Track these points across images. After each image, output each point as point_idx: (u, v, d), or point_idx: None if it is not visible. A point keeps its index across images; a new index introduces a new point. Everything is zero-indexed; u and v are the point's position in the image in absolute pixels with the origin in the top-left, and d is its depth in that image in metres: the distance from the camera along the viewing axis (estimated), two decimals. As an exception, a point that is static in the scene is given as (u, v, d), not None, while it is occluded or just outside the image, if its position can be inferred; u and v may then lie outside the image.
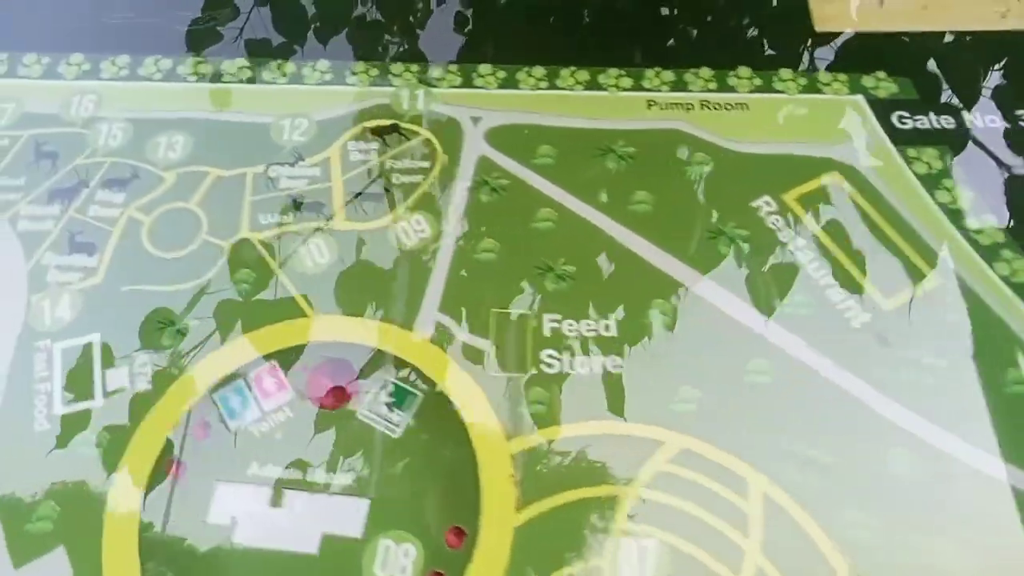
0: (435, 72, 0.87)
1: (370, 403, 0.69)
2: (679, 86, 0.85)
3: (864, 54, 0.90)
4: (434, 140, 0.82)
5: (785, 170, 0.80)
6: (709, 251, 0.75)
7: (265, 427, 0.68)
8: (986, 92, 0.88)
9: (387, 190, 0.79)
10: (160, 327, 0.72)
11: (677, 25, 0.93)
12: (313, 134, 0.83)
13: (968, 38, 0.93)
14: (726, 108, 0.84)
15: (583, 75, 0.86)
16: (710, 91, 0.85)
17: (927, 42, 0.92)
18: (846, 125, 0.83)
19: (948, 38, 0.93)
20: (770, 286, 0.73)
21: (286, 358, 0.71)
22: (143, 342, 0.71)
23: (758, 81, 0.85)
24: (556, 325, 0.72)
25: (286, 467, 0.65)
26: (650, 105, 0.84)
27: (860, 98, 0.84)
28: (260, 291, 0.73)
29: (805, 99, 0.84)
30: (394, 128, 0.83)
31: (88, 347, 0.71)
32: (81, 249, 0.76)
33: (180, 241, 0.76)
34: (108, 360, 0.70)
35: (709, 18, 0.95)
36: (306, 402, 0.69)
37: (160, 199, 0.79)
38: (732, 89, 0.85)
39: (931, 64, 0.90)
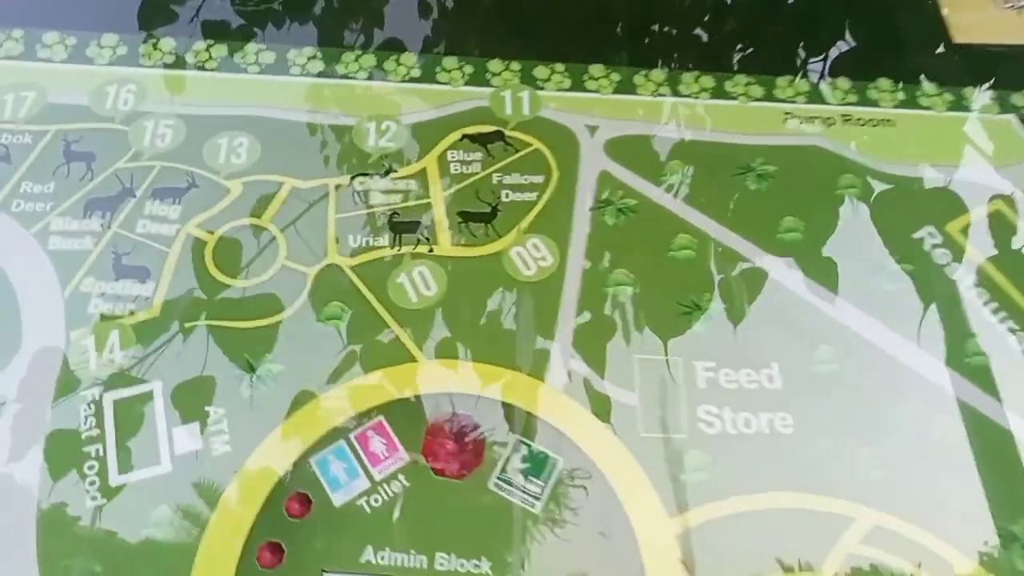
0: (540, 72, 0.76)
1: (502, 469, 0.58)
2: (815, 98, 0.76)
3: (1008, 67, 0.82)
4: (546, 151, 0.72)
5: (944, 197, 0.71)
6: (873, 289, 0.65)
7: (377, 501, 0.56)
8: None
9: (496, 209, 0.68)
10: (238, 374, 0.60)
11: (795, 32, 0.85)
12: (404, 140, 0.71)
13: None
14: (871, 124, 0.75)
15: (708, 81, 0.76)
16: (850, 104, 0.76)
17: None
18: (999, 147, 0.76)
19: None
20: (947, 331, 0.65)
21: (394, 413, 0.59)
22: (217, 392, 0.58)
23: (901, 95, 0.76)
24: (711, 375, 0.62)
25: (409, 552, 0.55)
26: (786, 118, 0.75)
27: (1012, 118, 0.77)
28: (355, 329, 0.61)
29: (953, 117, 0.76)
30: (498, 136, 0.72)
31: (148, 398, 0.59)
32: (131, 274, 0.62)
33: (254, 267, 0.64)
34: (175, 415, 0.58)
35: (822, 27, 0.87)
36: (425, 468, 0.58)
37: (226, 214, 0.65)
38: (874, 103, 0.77)
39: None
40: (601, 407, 0.59)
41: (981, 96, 0.76)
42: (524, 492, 0.56)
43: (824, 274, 0.66)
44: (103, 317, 0.60)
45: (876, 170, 0.72)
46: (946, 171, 0.72)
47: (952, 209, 0.70)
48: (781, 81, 0.76)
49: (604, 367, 0.61)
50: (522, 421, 0.59)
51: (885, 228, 0.68)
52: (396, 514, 0.55)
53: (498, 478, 0.56)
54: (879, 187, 0.70)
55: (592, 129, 0.72)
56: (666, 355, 0.61)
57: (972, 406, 0.61)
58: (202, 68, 0.72)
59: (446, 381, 0.60)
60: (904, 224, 0.69)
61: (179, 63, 0.72)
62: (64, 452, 0.55)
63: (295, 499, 0.55)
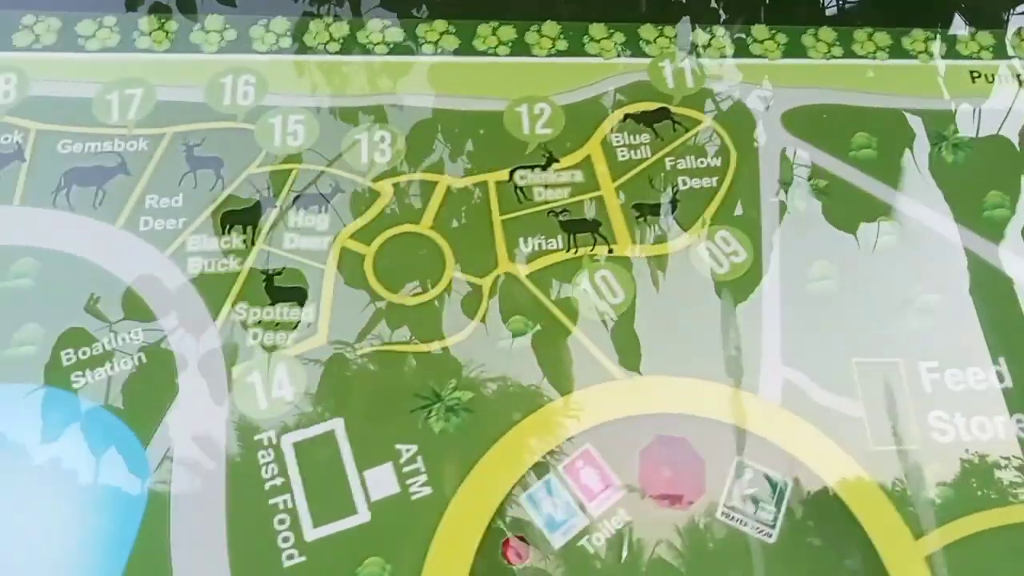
0: (698, 37, 0.68)
1: (727, 496, 0.53)
2: (1001, 52, 0.69)
3: None
4: (719, 129, 0.65)
5: None
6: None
7: (600, 539, 0.51)
8: None
9: (675, 199, 0.62)
10: (424, 404, 0.54)
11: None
12: (560, 124, 0.64)
13: None
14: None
15: (883, 38, 0.68)
16: (1041, 58, 0.69)
17: None
18: None
19: None
20: None
21: (600, 438, 0.54)
22: (406, 427, 0.53)
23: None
24: (936, 376, 0.57)
25: (645, 597, 0.50)
26: (975, 77, 0.68)
27: None
28: (542, 345, 0.55)
29: None
30: (664, 113, 0.64)
31: (330, 438, 0.53)
32: (287, 297, 0.56)
33: (419, 280, 0.57)
34: (364, 456, 0.52)
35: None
36: (645, 499, 0.53)
37: (380, 222, 0.58)
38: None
39: None
40: (821, 419, 0.55)
41: None
42: (757, 521, 0.52)
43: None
44: (265, 348, 0.54)
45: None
46: None
47: None
48: (963, 35, 0.69)
49: (821, 374, 0.56)
50: (739, 440, 0.54)
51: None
52: (624, 553, 0.50)
53: (726, 506, 0.52)
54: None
55: (765, 101, 0.65)
56: (887, 357, 0.56)
57: None
58: (324, 51, 0.65)
59: (651, 399, 0.55)
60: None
61: (299, 47, 0.65)
62: (250, 506, 0.50)
63: (512, 544, 0.51)
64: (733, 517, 0.51)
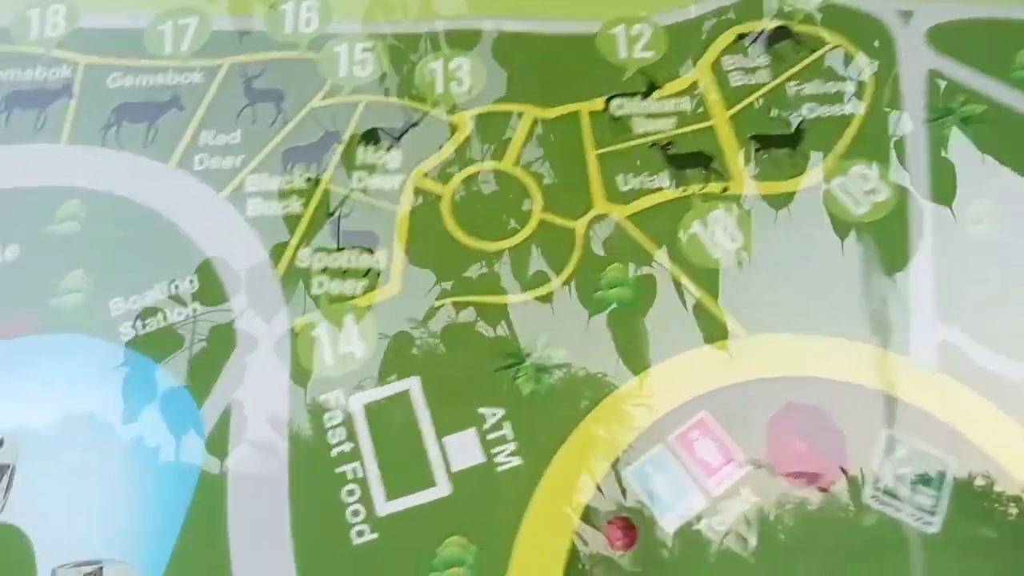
0: (821, -55, 0.59)
1: (876, 477, 0.45)
2: None
3: None
4: (850, 49, 0.56)
5: None
6: None
7: (720, 525, 0.44)
8: None
9: (800, 129, 0.53)
10: (510, 363, 0.47)
11: None
12: (663, 47, 0.55)
13: None
14: None
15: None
16: None
17: None
18: None
19: None
20: None
21: (718, 406, 0.46)
22: (491, 389, 0.46)
23: None
24: None
25: (779, 593, 0.42)
26: None
27: None
28: (646, 298, 0.47)
29: None
30: (784, 32, 0.56)
31: (405, 399, 0.47)
32: (356, 240, 0.49)
33: (501, 223, 0.50)
34: (443, 420, 0.46)
35: None
36: (774, 478, 0.45)
37: (457, 158, 0.52)
38: None
39: None
40: (988, 386, 0.46)
41: None
42: (914, 507, 0.43)
43: None
44: (332, 299, 0.49)
45: None
46: None
47: None
48: None
49: (987, 333, 0.47)
50: (889, 409, 0.46)
51: None
52: (751, 541, 0.43)
53: (875, 488, 0.44)
54: None
55: (906, 15, 0.55)
56: (1068, 313, 0.47)
57: None
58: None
59: (778, 360, 0.46)
60: None
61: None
62: (314, 474, 0.44)
63: (616, 525, 0.43)
64: (885, 501, 0.43)
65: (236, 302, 0.47)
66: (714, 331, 0.46)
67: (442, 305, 0.47)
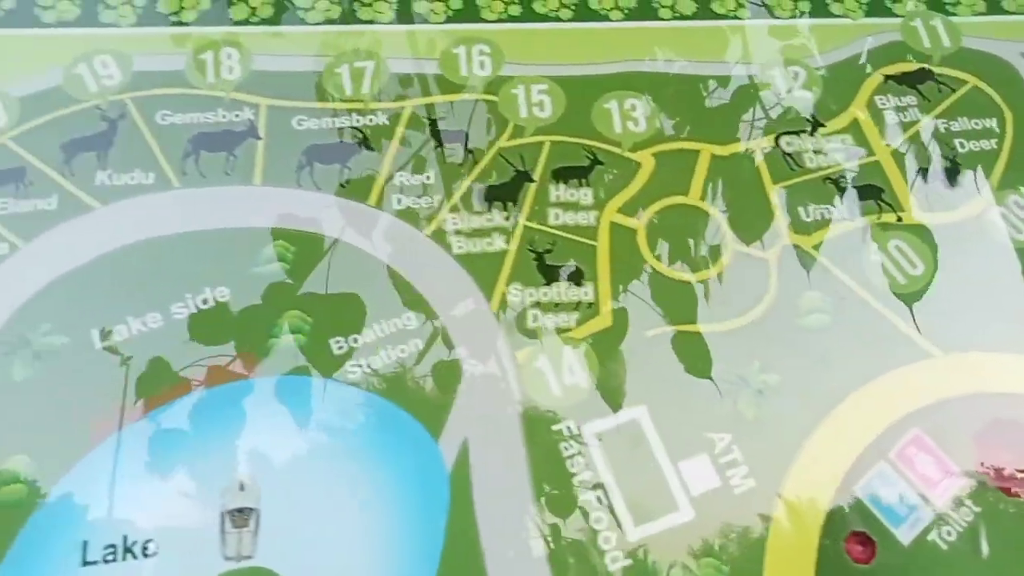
0: (947, -7, 0.64)
1: None
2: None
3: None
4: (986, 88, 0.60)
5: None
6: None
7: (950, 534, 0.46)
8: None
9: (955, 162, 0.57)
10: (730, 389, 0.48)
11: None
12: (820, 87, 0.58)
13: None
14: None
15: None
16: None
17: None
18: None
19: None
20: None
21: (927, 421, 0.48)
22: (714, 414, 0.47)
23: None
24: None
25: (1017, 599, 0.45)
26: None
27: None
28: (844, 324, 0.49)
29: None
30: (926, 74, 0.60)
31: (635, 427, 0.48)
32: (563, 275, 0.51)
33: (700, 255, 0.52)
34: (674, 446, 0.47)
35: None
36: (993, 490, 0.48)
37: (645, 194, 0.54)
38: None
39: None
40: None
41: None
42: (1120, 508, 0.47)
43: None
44: (548, 332, 0.50)
45: None
46: None
47: None
48: None
49: None
50: (1082, 421, 0.49)
51: None
52: (983, 548, 0.45)
53: (1083, 494, 0.47)
54: None
55: (1031, 58, 0.61)
56: None
57: None
58: (556, 19, 0.60)
59: (978, 378, 0.49)
60: None
61: (528, 14, 0.60)
62: (560, 505, 0.45)
63: (855, 540, 0.45)
64: (1092, 505, 0.46)
65: (456, 338, 0.49)
66: (912, 353, 0.50)
67: (655, 334, 0.49)
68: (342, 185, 0.52)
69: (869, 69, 0.59)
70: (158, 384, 0.46)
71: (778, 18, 0.61)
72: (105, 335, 0.47)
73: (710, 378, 0.48)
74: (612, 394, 0.47)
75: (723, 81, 0.58)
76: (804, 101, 0.57)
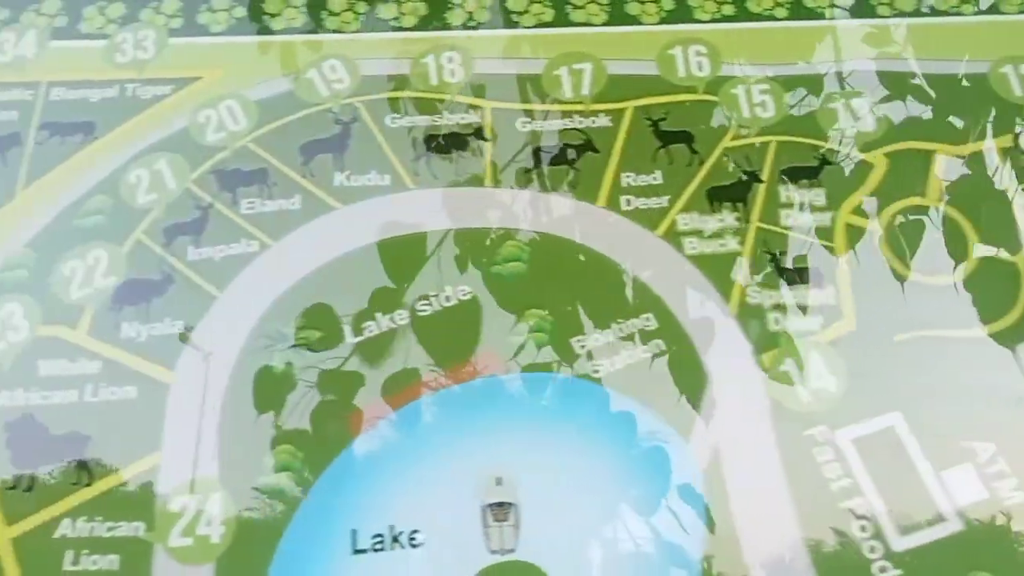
0: None
1: None
2: None
3: None
4: None
5: None
6: None
7: None
8: None
9: None
10: (986, 398, 0.47)
11: None
12: (1055, 84, 0.57)
13: None
14: None
15: None
16: None
17: None
18: None
19: None
20: None
21: None
22: (973, 422, 0.45)
23: None
24: None
25: None
26: None
27: None
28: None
29: None
30: None
31: (891, 435, 0.47)
32: (801, 278, 0.49)
33: (927, 257, 0.51)
34: (935, 455, 0.44)
35: None
36: None
37: (881, 195, 0.51)
38: None
39: None
40: None
41: None
42: None
43: None
44: (790, 335, 0.49)
45: None
46: None
47: None
48: None
49: None
50: None
51: None
52: None
53: None
54: None
55: None
56: None
57: None
58: (771, 18, 0.60)
59: None
60: None
61: (742, 13, 0.60)
62: (820, 511, 0.44)
63: None
64: None
65: (696, 339, 0.49)
66: None
67: (902, 340, 0.48)
68: (571, 186, 0.53)
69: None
70: (408, 379, 0.47)
71: (1004, 13, 0.59)
72: (357, 330, 0.49)
73: (964, 385, 0.47)
74: (863, 400, 0.47)
75: (962, 80, 0.56)
76: (1041, 97, 0.55)
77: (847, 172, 0.53)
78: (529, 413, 0.46)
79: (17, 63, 0.58)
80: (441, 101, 0.56)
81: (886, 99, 0.55)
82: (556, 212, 0.52)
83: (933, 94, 0.55)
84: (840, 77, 0.56)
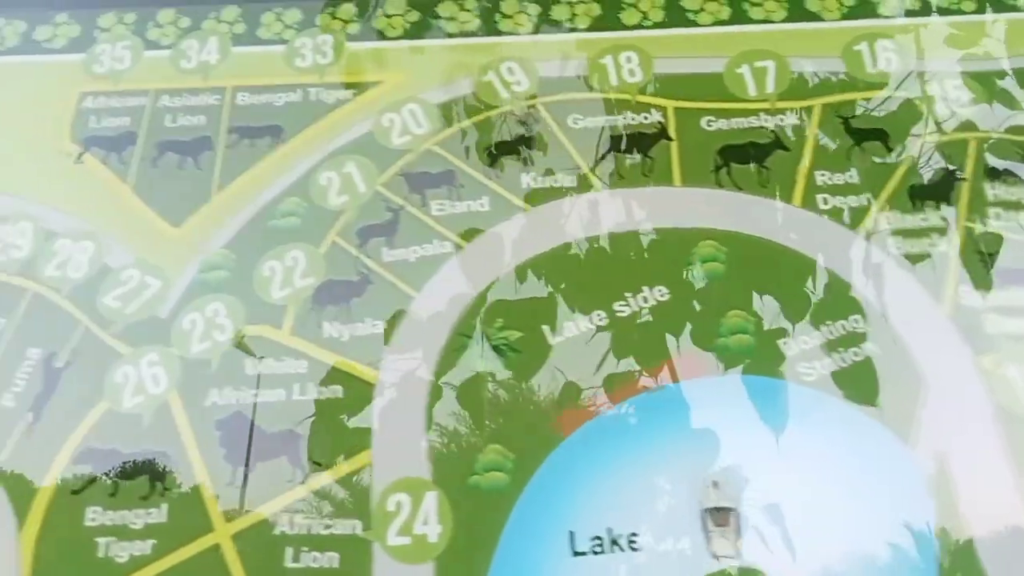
0: None
1: None
2: None
3: None
4: None
5: None
6: None
7: None
8: None
9: None
10: None
11: None
12: None
13: None
14: None
15: None
16: None
17: None
18: None
19: None
20: None
21: None
22: None
23: None
24: None
25: None
26: None
27: None
28: None
29: None
30: None
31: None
32: (1015, 279, 0.48)
33: None
34: None
35: None
36: None
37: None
38: None
39: None
40: None
41: None
42: None
43: None
44: (1011, 338, 0.47)
45: None
46: None
47: None
48: None
49: None
50: None
51: None
52: None
53: None
54: None
55: None
56: None
57: None
58: (956, 11, 0.58)
59: None
60: None
61: (926, 8, 0.59)
62: None
63: None
64: None
65: (908, 340, 0.47)
66: None
67: None
68: (763, 185, 0.53)
69: None
70: (619, 380, 0.47)
71: None
72: (557, 330, 0.49)
73: None
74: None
75: None
76: None
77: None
78: (749, 416, 0.46)
79: (202, 69, 0.60)
80: (623, 101, 0.56)
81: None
82: (752, 211, 0.51)
83: None
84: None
